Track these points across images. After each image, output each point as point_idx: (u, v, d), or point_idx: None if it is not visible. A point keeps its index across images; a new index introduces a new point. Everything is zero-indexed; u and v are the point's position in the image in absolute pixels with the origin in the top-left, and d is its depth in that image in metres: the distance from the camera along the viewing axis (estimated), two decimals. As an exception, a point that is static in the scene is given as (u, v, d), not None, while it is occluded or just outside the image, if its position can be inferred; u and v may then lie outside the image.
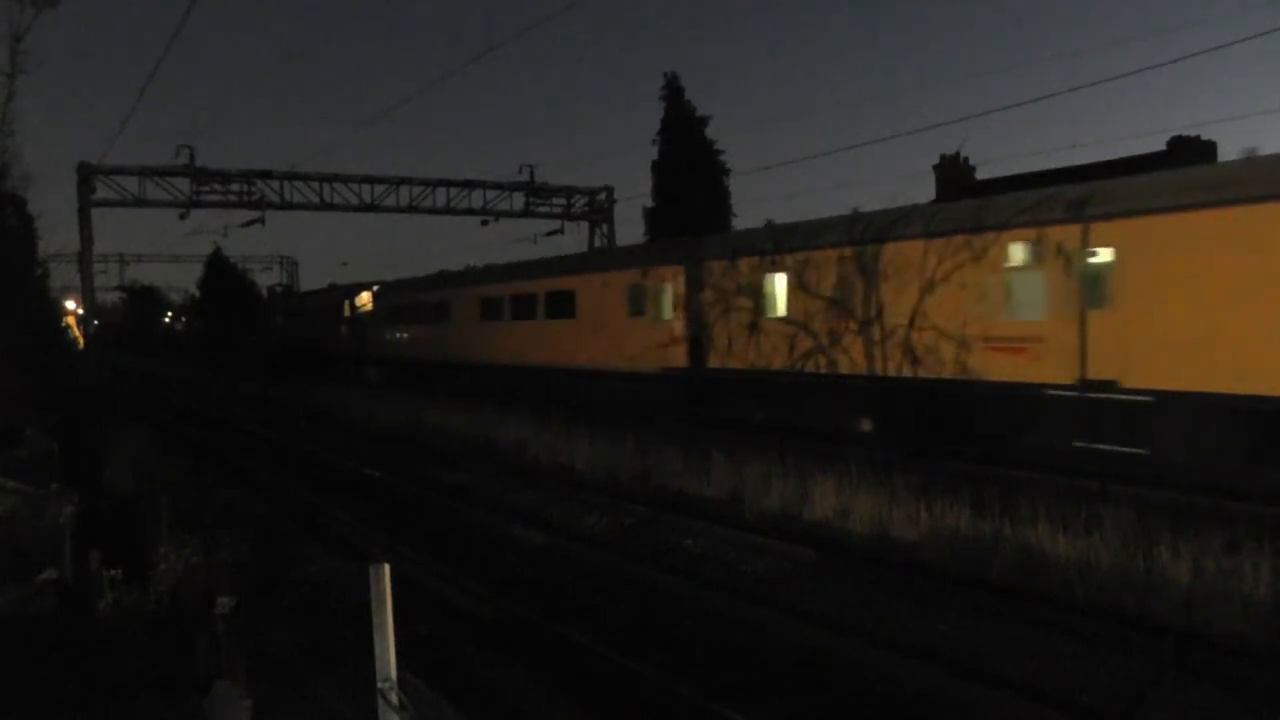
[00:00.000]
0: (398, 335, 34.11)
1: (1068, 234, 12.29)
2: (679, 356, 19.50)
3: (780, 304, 17.12)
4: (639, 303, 20.77)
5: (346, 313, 38.65)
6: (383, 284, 36.55)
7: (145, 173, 34.26)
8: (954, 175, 16.89)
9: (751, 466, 13.03)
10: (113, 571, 8.32)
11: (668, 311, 19.92)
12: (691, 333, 19.20)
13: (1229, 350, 10.65)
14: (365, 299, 37.30)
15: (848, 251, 15.61)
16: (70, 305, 62.36)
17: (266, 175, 35.64)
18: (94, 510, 11.04)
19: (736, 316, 17.98)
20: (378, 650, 3.84)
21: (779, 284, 17.16)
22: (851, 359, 15.47)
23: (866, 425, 15.33)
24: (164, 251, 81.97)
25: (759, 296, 17.54)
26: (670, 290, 19.85)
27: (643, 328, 20.49)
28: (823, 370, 16.02)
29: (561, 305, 23.74)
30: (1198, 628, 7.27)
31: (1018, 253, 13.03)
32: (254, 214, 36.31)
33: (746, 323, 17.68)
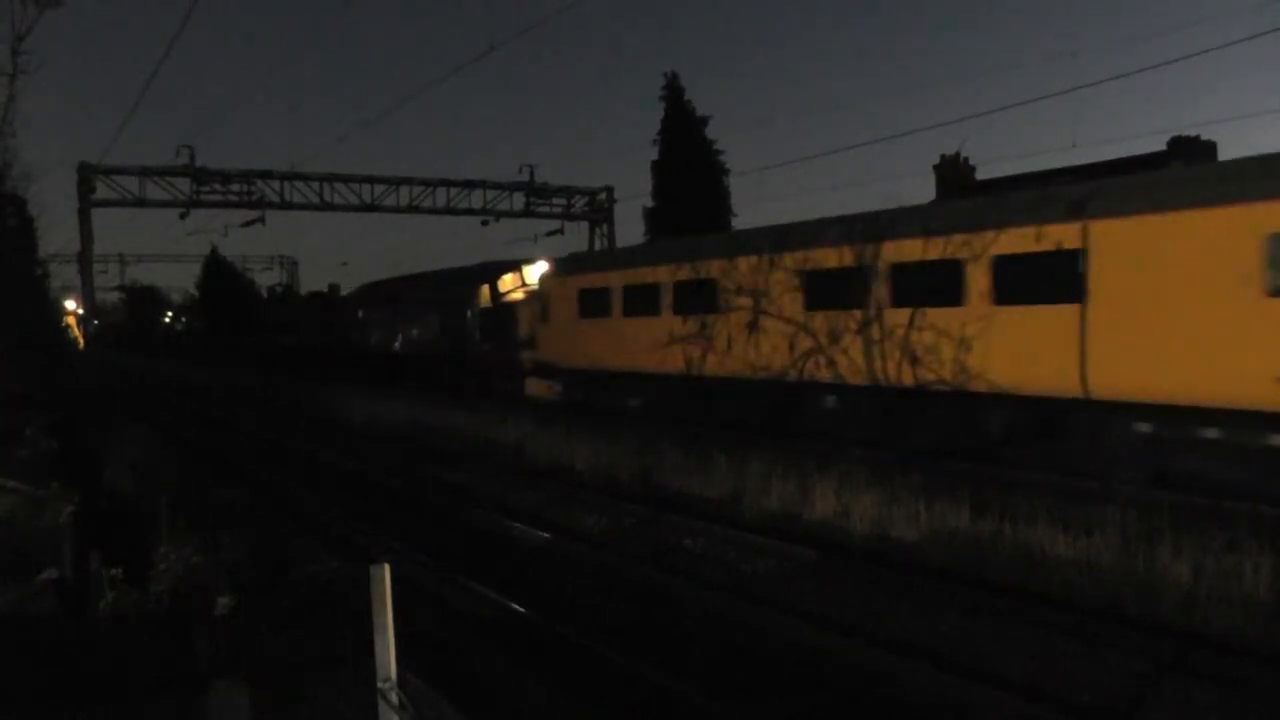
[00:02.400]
0: (602, 333, 20.76)
1: None
2: None
3: None
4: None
5: (483, 303, 27.23)
6: (564, 259, 24.92)
7: (145, 173, 34.26)
8: (954, 175, 16.90)
9: (752, 466, 13.03)
10: (113, 571, 8.31)
11: None
12: None
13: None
14: (515, 282, 27.03)
15: None
16: (70, 305, 62.39)
17: (266, 175, 35.64)
18: (94, 510, 11.03)
19: None
20: (378, 650, 3.84)
21: None
22: None
23: None
24: (164, 251, 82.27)
25: None
26: None
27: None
28: None
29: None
30: (1198, 628, 7.27)
31: None
32: (254, 214, 36.32)
33: None
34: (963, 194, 16.24)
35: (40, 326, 36.19)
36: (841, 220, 15.51)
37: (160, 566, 8.78)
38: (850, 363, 14.70)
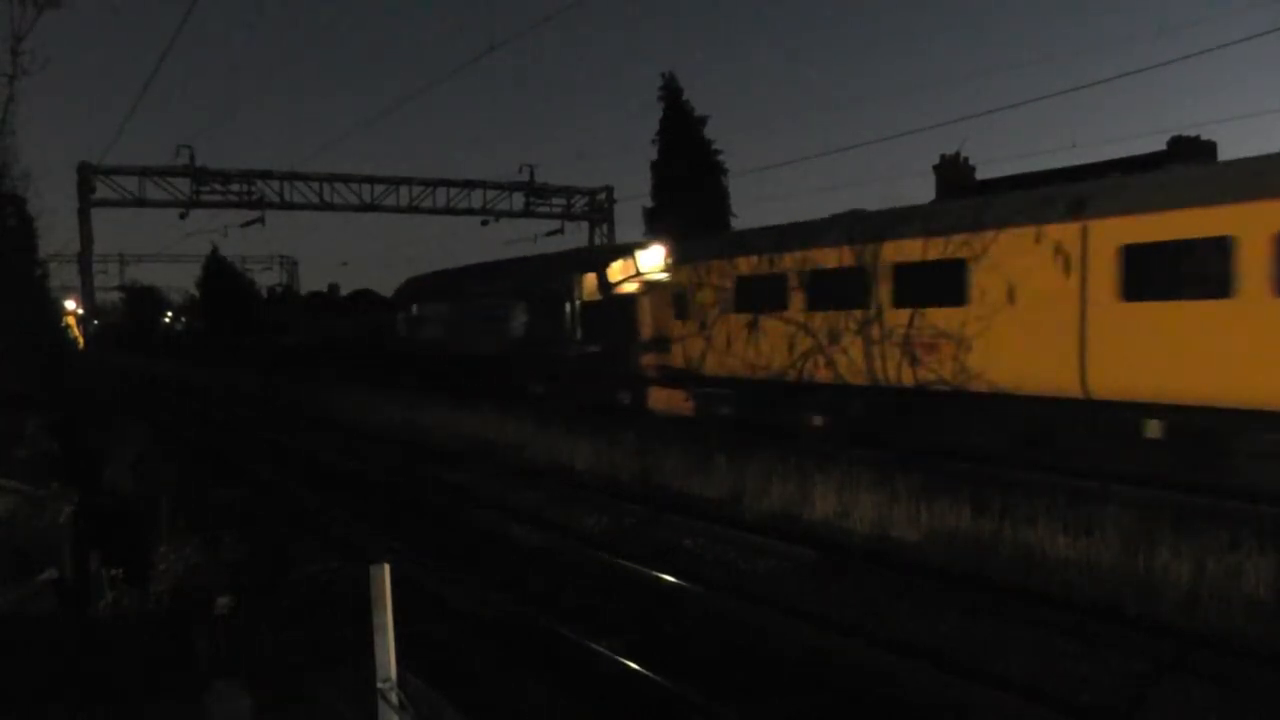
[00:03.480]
0: (772, 332, 16.36)
1: None
2: None
3: None
4: None
5: (585, 296, 22.34)
6: (700, 241, 20.24)
7: (145, 173, 34.27)
8: (954, 175, 16.85)
9: (752, 466, 13.03)
10: (113, 571, 8.31)
11: None
12: None
13: None
14: (627, 270, 22.12)
15: None
16: (70, 305, 62.37)
17: (266, 175, 35.65)
18: (94, 510, 11.02)
19: None
20: (378, 650, 3.84)
21: None
22: None
23: None
24: (164, 251, 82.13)
25: None
26: None
27: None
28: None
29: None
30: (1199, 627, 7.27)
31: None
32: (254, 214, 36.33)
33: None
34: None
35: (40, 326, 36.16)
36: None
37: (160, 566, 8.78)
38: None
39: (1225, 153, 13.29)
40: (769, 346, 16.39)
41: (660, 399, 19.81)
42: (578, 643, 7.53)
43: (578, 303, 22.40)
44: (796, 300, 15.91)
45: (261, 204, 35.79)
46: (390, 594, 4.01)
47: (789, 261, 16.08)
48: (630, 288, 21.56)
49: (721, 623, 8.10)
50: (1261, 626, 7.18)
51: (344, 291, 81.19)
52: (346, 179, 37.21)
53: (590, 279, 22.41)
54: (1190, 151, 12.99)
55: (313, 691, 6.27)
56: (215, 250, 71.19)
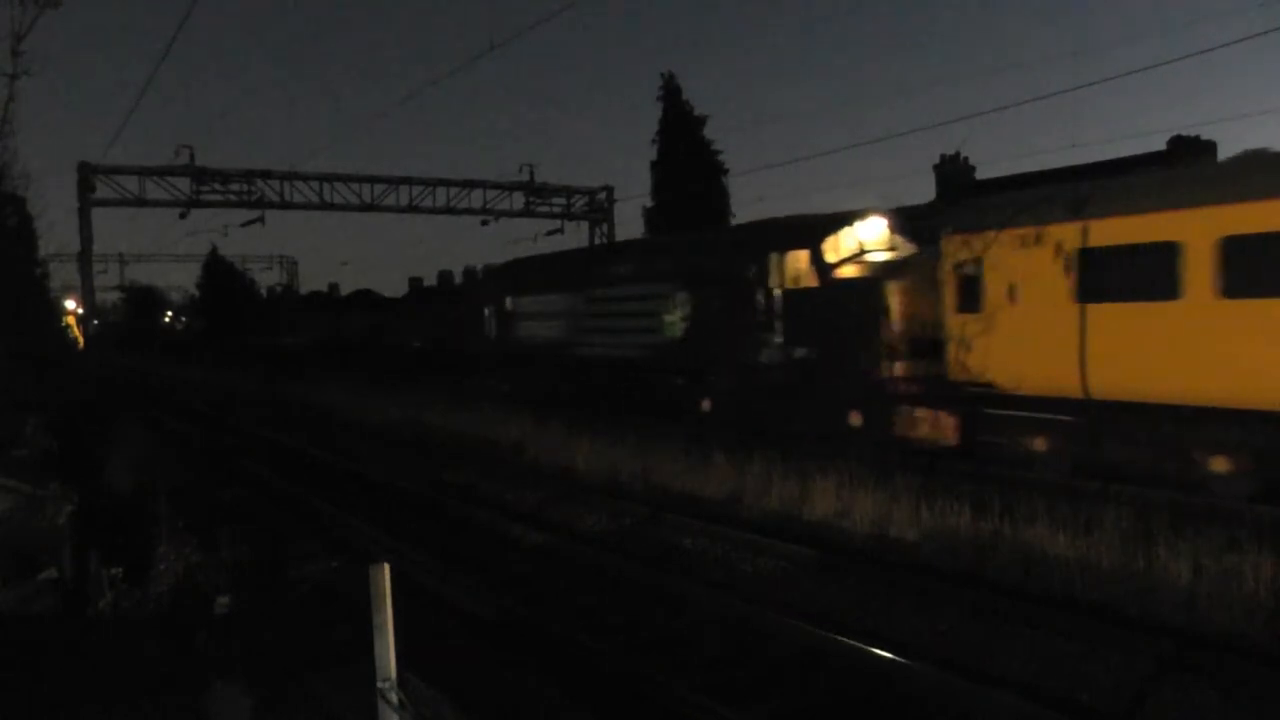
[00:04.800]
0: (1155, 331, 11.18)
1: None
2: None
3: None
4: None
5: (790, 280, 16.52)
6: (989, 200, 15.44)
7: (145, 172, 34.23)
8: (954, 175, 16.85)
9: (752, 466, 13.02)
10: (113, 571, 8.32)
11: None
12: None
13: None
14: (851, 245, 16.31)
15: None
16: (70, 305, 62.36)
17: (266, 175, 35.62)
18: (94, 510, 11.03)
19: None
20: (377, 650, 3.84)
21: None
22: None
23: None
24: (164, 251, 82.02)
25: None
26: None
27: None
28: None
29: None
30: (1198, 627, 7.27)
31: None
32: (254, 214, 36.30)
33: None
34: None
35: (40, 327, 36.15)
36: None
37: (160, 566, 8.79)
38: None
39: (1225, 152, 13.31)
40: (1150, 353, 11.11)
41: (922, 425, 14.07)
42: (578, 641, 7.51)
43: (776, 291, 16.64)
44: (1201, 284, 10.64)
45: (261, 204, 35.75)
46: (390, 594, 4.00)
47: (1196, 223, 10.70)
48: (855, 269, 15.84)
49: (721, 621, 8.10)
50: (1261, 626, 7.18)
51: (344, 291, 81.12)
52: (346, 179, 37.17)
53: (799, 258, 16.34)
54: (1190, 151, 13.00)
55: (313, 691, 6.27)
56: (215, 250, 71.38)
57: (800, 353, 16.15)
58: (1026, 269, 12.35)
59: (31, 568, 8.63)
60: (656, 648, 7.49)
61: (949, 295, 13.63)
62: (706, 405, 18.35)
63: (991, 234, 13.06)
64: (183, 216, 35.91)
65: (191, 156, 34.60)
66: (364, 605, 3.82)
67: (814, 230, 16.47)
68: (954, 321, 13.57)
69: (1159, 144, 14.20)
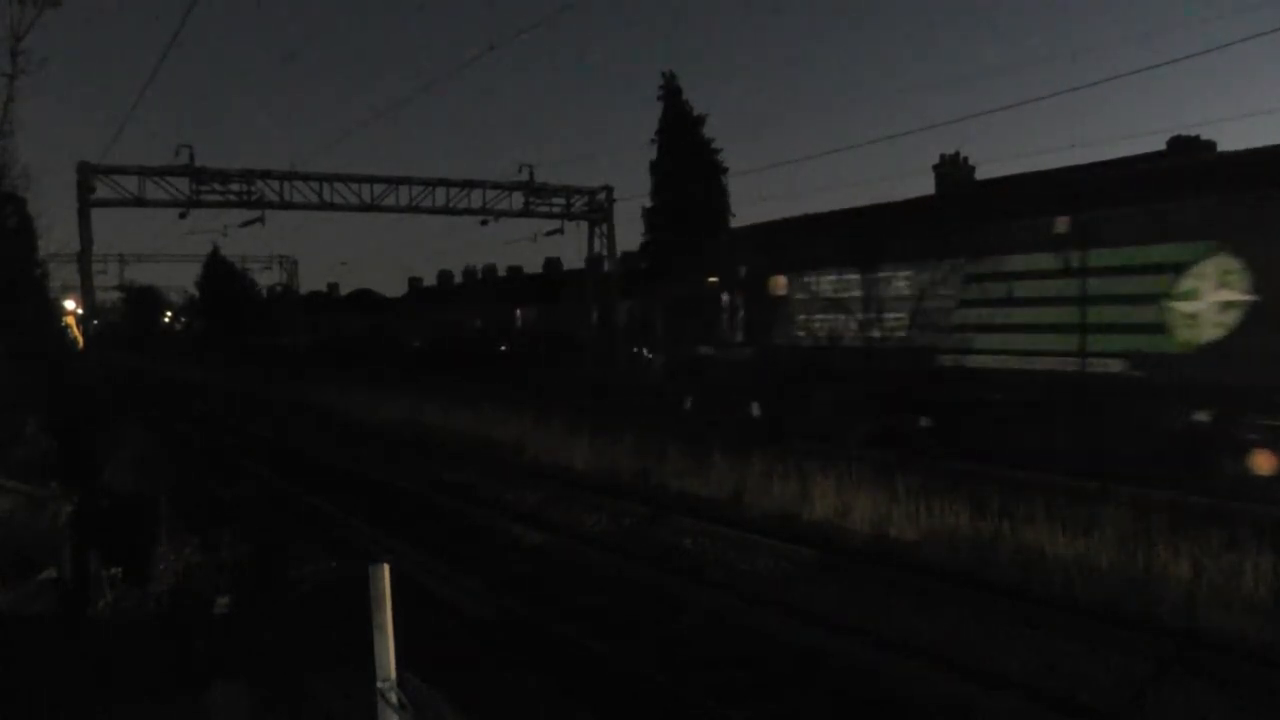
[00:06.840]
0: None
1: None
2: None
3: None
4: None
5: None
6: None
7: (145, 172, 34.23)
8: (954, 175, 16.84)
9: (752, 466, 13.03)
10: (113, 571, 8.32)
11: None
12: None
13: None
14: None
15: None
16: (70, 305, 62.34)
17: (266, 175, 35.62)
18: (94, 510, 11.03)
19: None
20: (377, 650, 3.83)
21: None
22: None
23: None
24: (164, 251, 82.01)
25: None
26: None
27: None
28: None
29: None
30: (1198, 627, 7.27)
31: None
32: (254, 214, 36.29)
33: None
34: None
35: (40, 327, 36.13)
36: None
37: (160, 566, 8.79)
38: None
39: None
40: None
41: None
42: (578, 641, 7.52)
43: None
44: None
45: (261, 204, 35.74)
46: (390, 594, 4.00)
47: None
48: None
49: (721, 621, 8.10)
50: (1261, 626, 7.17)
51: (344, 291, 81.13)
52: (346, 179, 37.17)
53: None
54: (1190, 151, 13.00)
55: (313, 691, 6.27)
56: (215, 250, 71.27)
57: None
58: None
59: (31, 568, 8.63)
60: (656, 647, 7.49)
61: None
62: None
63: None
64: (182, 216, 35.92)
65: (191, 156, 34.62)
66: (364, 605, 3.81)
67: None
68: None
69: (1159, 144, 14.15)
